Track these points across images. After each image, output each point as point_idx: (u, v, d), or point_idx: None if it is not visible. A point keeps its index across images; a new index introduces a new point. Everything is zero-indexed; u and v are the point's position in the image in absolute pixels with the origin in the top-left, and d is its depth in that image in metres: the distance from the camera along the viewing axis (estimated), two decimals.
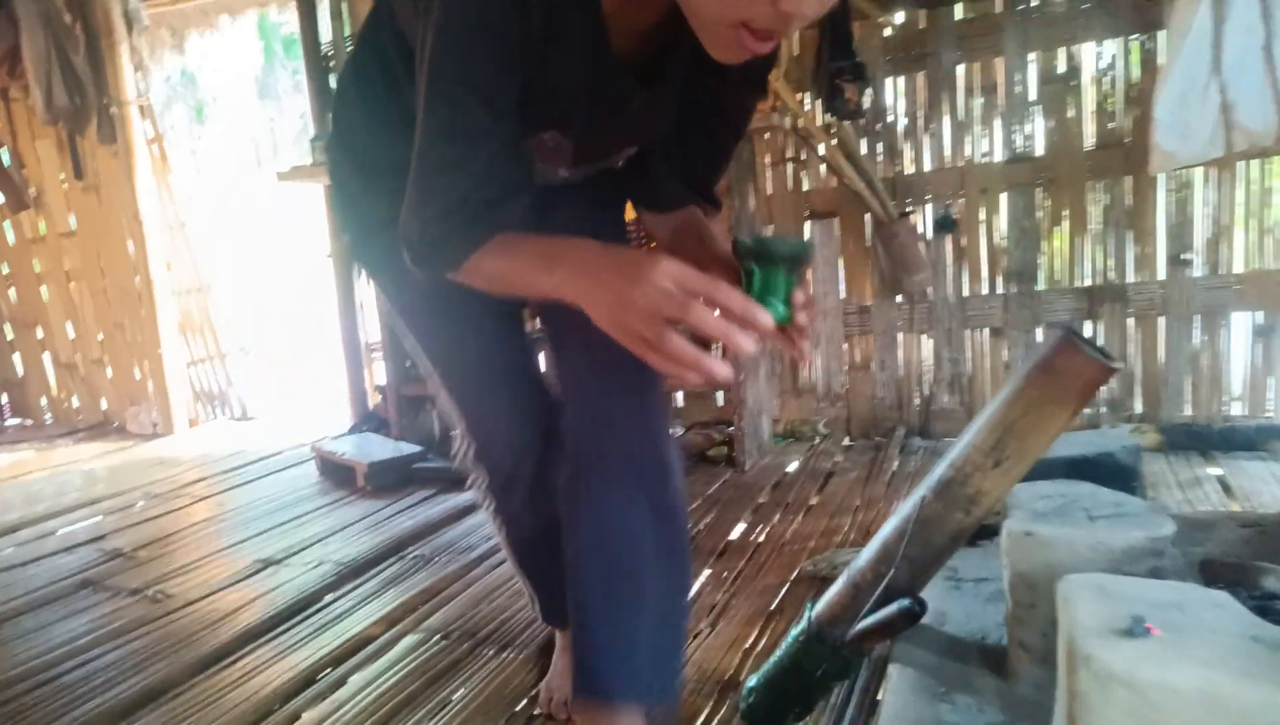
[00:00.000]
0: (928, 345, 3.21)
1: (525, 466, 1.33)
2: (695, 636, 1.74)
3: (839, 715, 1.40)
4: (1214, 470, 2.57)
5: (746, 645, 1.69)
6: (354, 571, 2.25)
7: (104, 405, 4.73)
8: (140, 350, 4.39)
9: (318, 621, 1.98)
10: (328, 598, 2.11)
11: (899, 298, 3.18)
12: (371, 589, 2.15)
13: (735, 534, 2.34)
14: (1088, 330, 2.99)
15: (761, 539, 2.28)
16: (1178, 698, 0.75)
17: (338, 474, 3.16)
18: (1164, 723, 0.76)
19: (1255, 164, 2.75)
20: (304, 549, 2.47)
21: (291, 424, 4.23)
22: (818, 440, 3.27)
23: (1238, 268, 2.81)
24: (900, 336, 3.22)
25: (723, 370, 0.79)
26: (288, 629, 1.95)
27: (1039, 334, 3.04)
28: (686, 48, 0.96)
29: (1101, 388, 1.09)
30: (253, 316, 7.05)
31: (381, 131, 1.12)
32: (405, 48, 1.02)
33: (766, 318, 0.81)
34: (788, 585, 1.94)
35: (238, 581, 2.26)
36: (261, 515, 2.84)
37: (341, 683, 1.69)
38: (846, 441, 3.26)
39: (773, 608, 1.84)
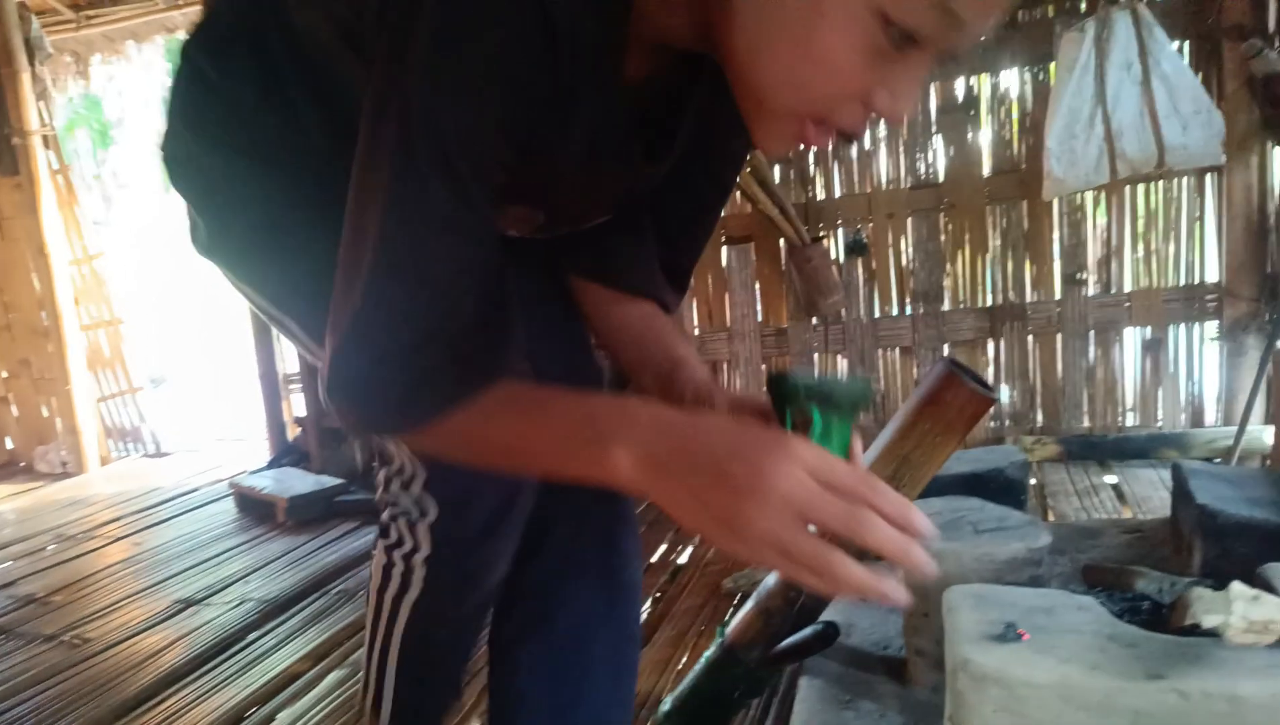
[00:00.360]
0: (842, 364, 3.33)
1: (525, 497, 0.91)
2: None
3: (757, 723, 1.46)
4: (1110, 478, 2.73)
5: (669, 668, 1.73)
6: (277, 608, 2.23)
7: (9, 444, 4.54)
8: (48, 387, 4.25)
9: (242, 660, 1.96)
10: (251, 636, 2.09)
11: (814, 319, 3.30)
12: (295, 626, 2.13)
13: (657, 556, 2.39)
14: (990, 348, 3.15)
15: (684, 560, 2.33)
16: (1039, 692, 0.83)
17: (257, 509, 3.11)
18: (1029, 714, 0.84)
19: (1141, 188, 2.95)
20: (225, 588, 2.43)
21: (208, 459, 4.13)
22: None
23: (1127, 286, 2.99)
24: (816, 357, 3.34)
25: (901, 594, 0.61)
26: (211, 669, 1.93)
27: (946, 352, 3.19)
28: (694, 104, 0.80)
29: (985, 415, 1.17)
30: (168, 347, 6.86)
31: (251, 170, 0.85)
32: (302, 53, 0.80)
33: (925, 521, 0.62)
34: (710, 605, 2.00)
35: (158, 623, 2.22)
36: (180, 554, 2.78)
37: (270, 720, 1.68)
38: None
39: (697, 628, 1.90)
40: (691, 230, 1.00)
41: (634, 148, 0.78)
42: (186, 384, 6.57)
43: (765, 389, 0.84)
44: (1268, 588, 1.02)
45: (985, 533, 1.23)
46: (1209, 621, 0.86)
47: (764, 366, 0.85)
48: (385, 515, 0.94)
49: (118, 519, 3.29)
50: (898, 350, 3.25)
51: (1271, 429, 2.67)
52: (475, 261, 0.67)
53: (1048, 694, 0.84)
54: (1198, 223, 2.90)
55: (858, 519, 0.58)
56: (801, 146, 0.70)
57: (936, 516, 1.32)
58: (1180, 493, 1.41)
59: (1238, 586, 0.84)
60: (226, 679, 1.87)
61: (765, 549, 0.60)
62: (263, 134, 0.84)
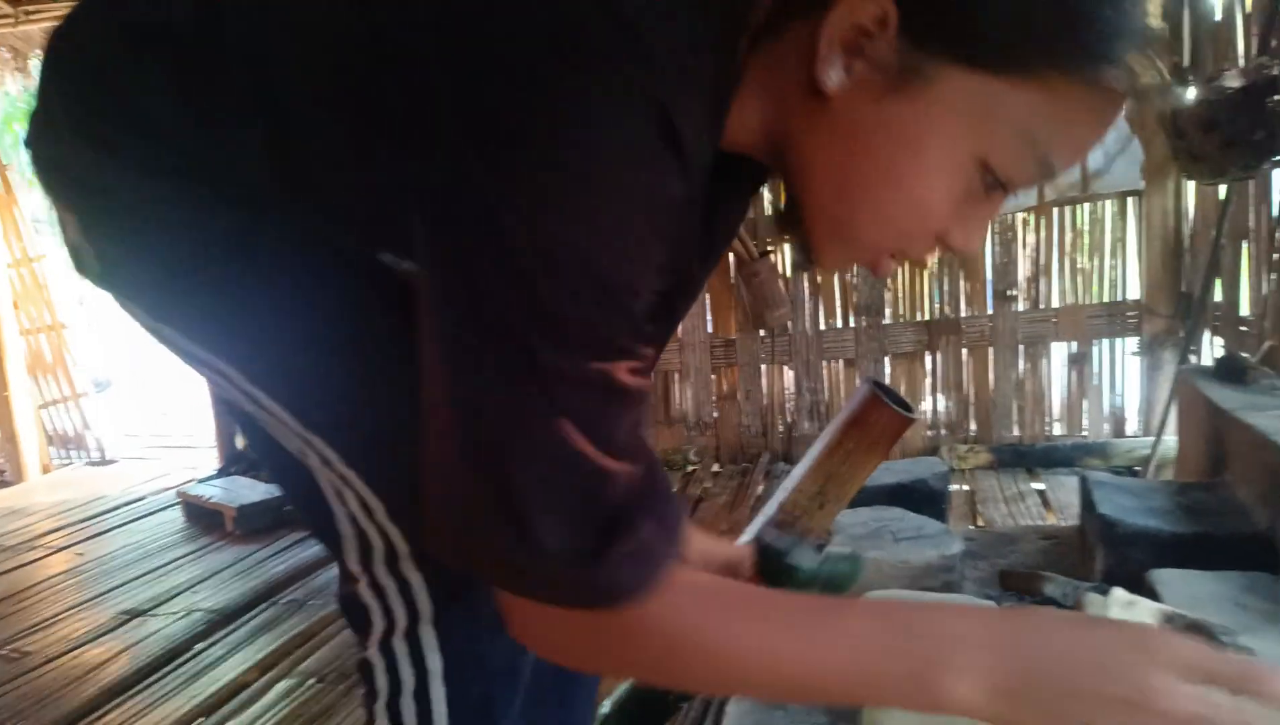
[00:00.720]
0: (789, 375, 3.43)
1: None
2: None
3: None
4: (1037, 485, 2.87)
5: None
6: (225, 619, 2.24)
7: None
8: None
9: (188, 671, 1.97)
10: (198, 647, 2.10)
11: (761, 332, 3.39)
12: (244, 636, 2.14)
13: None
14: (928, 361, 3.27)
15: None
16: None
17: (206, 518, 3.10)
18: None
19: (1067, 210, 3.09)
20: (171, 598, 2.43)
21: (155, 467, 4.09)
22: (689, 467, 3.44)
23: (1055, 303, 3.14)
24: (764, 368, 3.43)
25: None
26: (157, 680, 1.94)
27: (887, 363, 3.30)
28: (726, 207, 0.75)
29: (905, 432, 1.25)
30: (114, 350, 6.73)
31: (180, 195, 0.69)
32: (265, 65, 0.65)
33: None
34: None
35: (102, 635, 2.22)
36: (125, 565, 2.76)
37: None
38: (716, 468, 3.44)
39: None
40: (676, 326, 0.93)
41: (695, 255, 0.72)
42: (133, 389, 6.46)
43: (756, 560, 0.83)
44: (1153, 592, 1.12)
45: (904, 541, 1.31)
46: None
47: (756, 538, 0.79)
48: (370, 646, 0.74)
49: (59, 529, 3.25)
50: (841, 361, 3.36)
51: None
52: (638, 404, 0.58)
53: None
54: (1120, 243, 3.05)
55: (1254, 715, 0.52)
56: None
57: (862, 525, 1.41)
58: (1086, 502, 1.51)
59: (1117, 593, 0.92)
60: (172, 690, 1.89)
61: None
62: (195, 154, 0.68)
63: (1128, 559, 1.33)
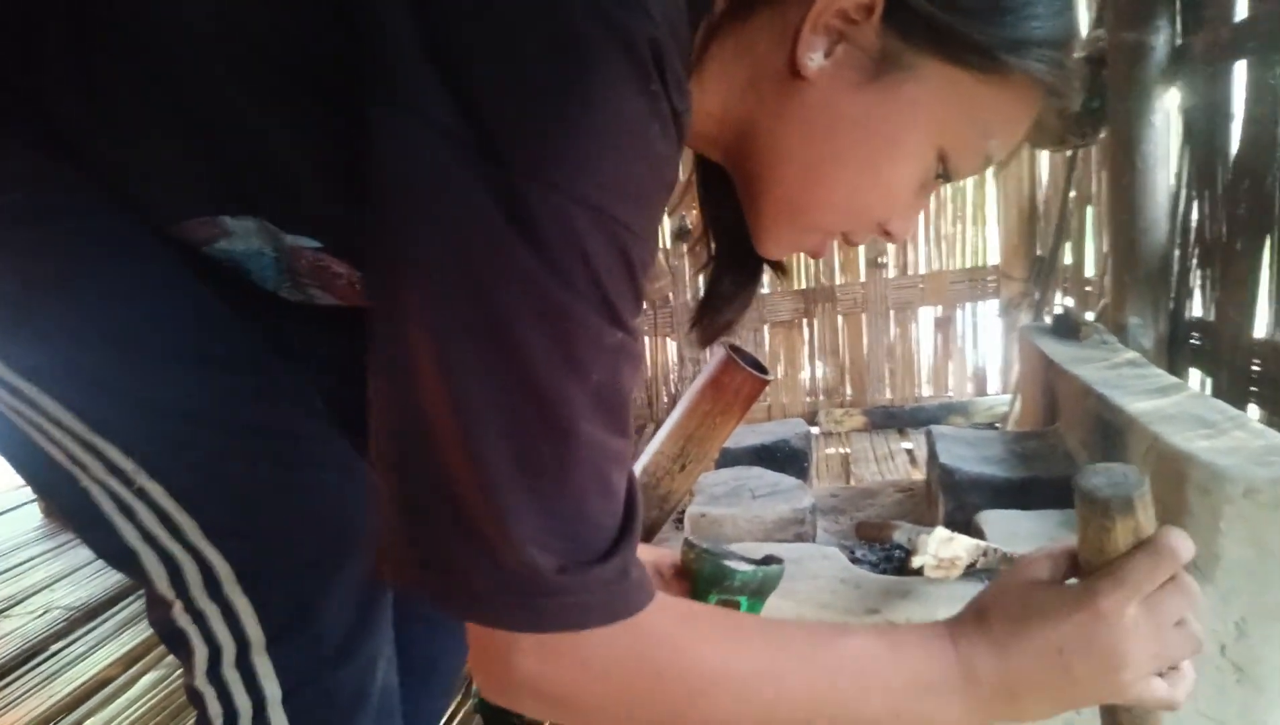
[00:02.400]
0: (672, 347, 3.48)
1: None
2: None
3: None
4: (906, 444, 3.01)
5: None
6: (86, 615, 2.15)
7: None
8: None
9: (47, 670, 1.90)
10: (56, 645, 2.02)
11: (644, 304, 3.42)
12: (107, 631, 2.07)
13: None
14: (805, 328, 3.37)
15: None
16: (780, 615, 0.96)
17: None
18: None
19: None
20: (28, 597, 2.32)
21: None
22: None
23: (922, 270, 3.28)
24: (647, 339, 3.47)
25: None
26: (14, 680, 1.86)
27: (766, 332, 3.39)
28: None
29: (762, 393, 1.29)
30: None
31: None
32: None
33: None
34: None
35: None
36: None
37: None
38: None
39: None
40: None
41: None
42: None
43: (685, 566, 0.82)
44: (979, 531, 1.21)
45: (760, 498, 1.37)
46: (916, 562, 1.02)
47: (684, 546, 0.80)
48: (195, 674, 0.68)
49: None
50: None
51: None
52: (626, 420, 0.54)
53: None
54: (980, 212, 3.21)
55: (1195, 637, 0.58)
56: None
57: (723, 485, 1.46)
58: (931, 454, 1.60)
59: (939, 531, 0.99)
60: (30, 689, 1.81)
61: (1150, 695, 0.58)
62: None
63: (965, 504, 1.41)
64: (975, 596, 0.63)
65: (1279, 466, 0.97)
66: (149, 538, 0.64)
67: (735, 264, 0.77)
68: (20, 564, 2.59)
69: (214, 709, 0.67)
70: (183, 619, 0.66)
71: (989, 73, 0.57)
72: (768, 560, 0.82)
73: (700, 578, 0.79)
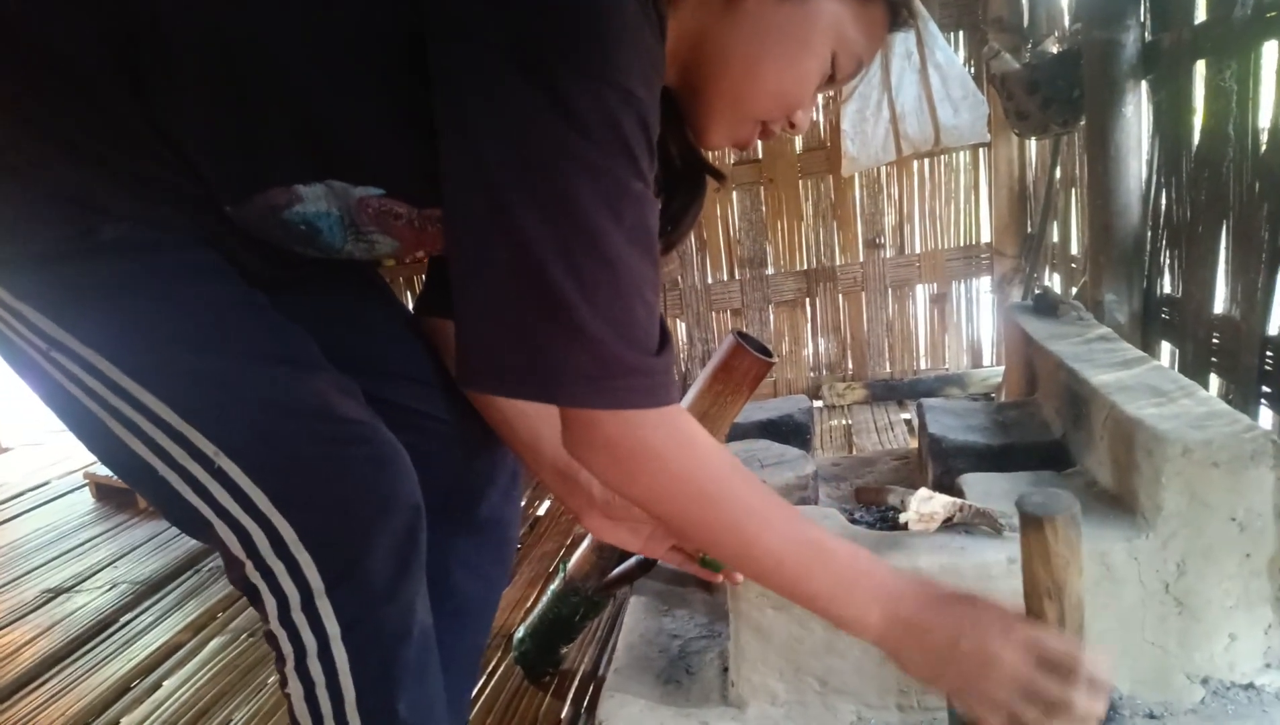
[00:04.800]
0: (681, 327, 3.64)
1: (422, 515, 0.87)
2: None
3: (594, 635, 1.74)
4: (905, 415, 3.17)
5: (528, 605, 1.99)
6: (150, 589, 2.33)
7: None
8: None
9: (122, 638, 2.08)
10: (126, 617, 2.19)
11: None
12: (172, 602, 2.25)
13: None
14: (808, 307, 3.53)
15: (541, 512, 2.59)
16: None
17: (117, 498, 3.14)
18: (780, 600, 1.14)
19: (927, 162, 3.37)
20: (93, 574, 2.50)
21: (54, 451, 4.04)
22: None
23: (917, 248, 3.43)
24: None
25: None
26: (92, 649, 2.04)
27: (771, 312, 3.55)
28: None
29: (769, 374, 1.45)
30: None
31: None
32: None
33: (1105, 673, 0.73)
34: (563, 550, 2.26)
35: (27, 614, 2.29)
36: (40, 547, 2.80)
37: (156, 687, 1.83)
38: None
39: (551, 570, 2.16)
40: None
41: None
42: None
43: None
44: (960, 492, 1.37)
45: (768, 467, 1.54)
46: (903, 518, 1.18)
47: None
48: (269, 619, 0.82)
49: None
50: (729, 311, 3.59)
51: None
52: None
53: None
54: (973, 192, 3.35)
55: (1063, 704, 0.71)
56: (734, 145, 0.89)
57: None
58: (921, 424, 1.77)
59: (921, 491, 1.16)
60: (108, 656, 1.99)
61: (995, 713, 0.73)
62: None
63: (952, 468, 1.58)
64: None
65: (1212, 430, 1.14)
66: (222, 512, 0.78)
67: (680, 185, 0.95)
68: (81, 544, 2.77)
69: (286, 648, 0.82)
70: (254, 576, 0.80)
71: (867, 2, 0.82)
72: None
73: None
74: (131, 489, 2.70)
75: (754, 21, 0.80)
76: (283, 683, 0.84)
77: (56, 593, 2.40)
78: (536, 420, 0.99)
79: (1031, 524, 0.76)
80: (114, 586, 2.38)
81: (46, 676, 1.93)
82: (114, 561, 2.58)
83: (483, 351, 0.70)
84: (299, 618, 0.80)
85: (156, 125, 0.75)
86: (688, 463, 0.74)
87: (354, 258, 0.87)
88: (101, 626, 2.15)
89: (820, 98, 3.34)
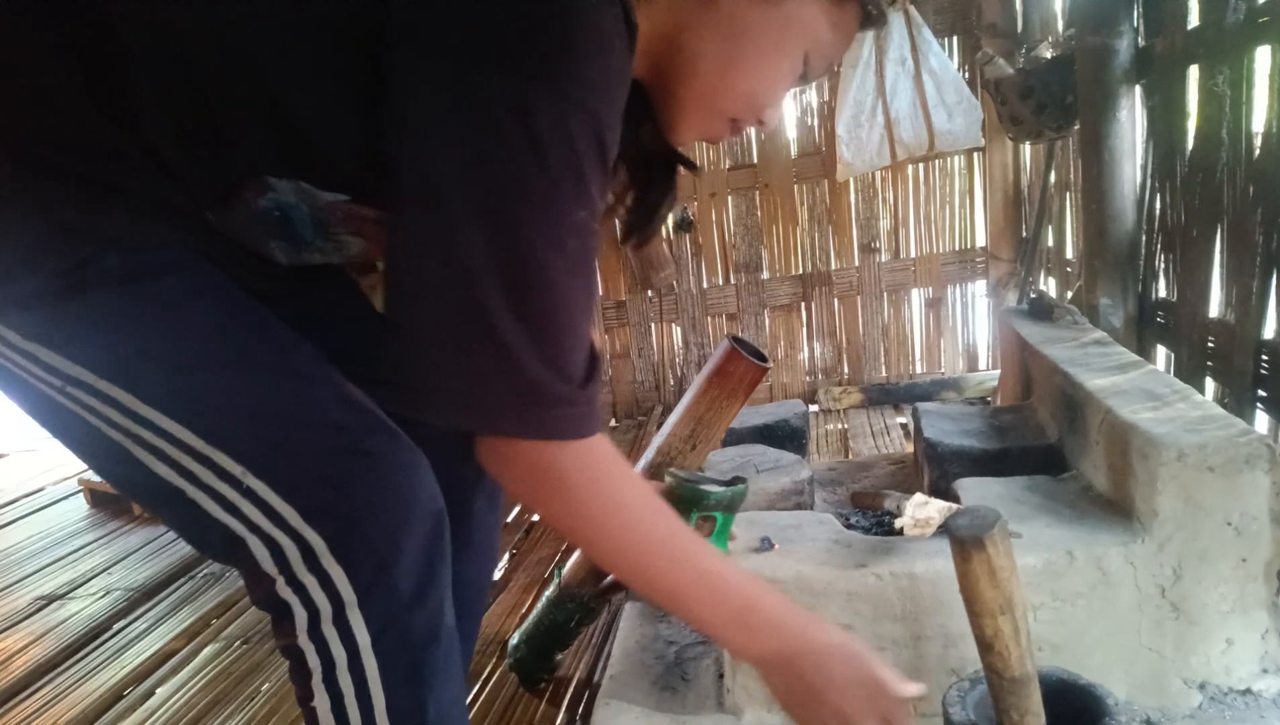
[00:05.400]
0: (677, 332, 3.64)
1: (446, 523, 0.87)
2: None
3: (589, 642, 1.73)
4: (901, 419, 3.17)
5: (523, 611, 1.98)
6: (145, 595, 2.32)
7: None
8: None
9: (115, 645, 2.06)
10: (120, 624, 2.18)
11: (649, 292, 3.59)
12: (166, 609, 2.23)
13: (511, 516, 2.62)
14: (803, 311, 3.53)
15: (536, 518, 2.58)
16: (781, 586, 1.13)
17: (112, 504, 3.12)
18: None
19: (921, 167, 3.37)
20: (87, 581, 2.48)
21: (49, 458, 4.02)
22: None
23: (912, 253, 3.43)
24: (653, 326, 3.64)
25: None
26: (85, 656, 2.02)
27: (767, 316, 3.55)
28: None
29: (763, 380, 1.45)
30: None
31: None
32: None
33: None
34: (559, 556, 2.26)
35: (19, 620, 2.27)
36: (33, 554, 2.78)
37: (149, 694, 1.82)
38: (613, 423, 3.64)
39: (546, 576, 2.15)
40: None
41: None
42: None
43: (669, 492, 1.06)
44: (955, 496, 1.37)
45: (764, 472, 1.53)
46: (898, 523, 1.18)
47: (667, 476, 1.01)
48: (298, 634, 0.80)
49: None
50: (724, 316, 3.59)
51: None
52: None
53: (788, 586, 1.14)
54: (967, 196, 3.36)
55: None
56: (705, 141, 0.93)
57: (729, 462, 1.62)
58: (917, 429, 1.77)
59: (916, 496, 1.16)
60: (101, 663, 1.98)
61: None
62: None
63: (947, 473, 1.58)
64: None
65: (1207, 434, 1.14)
66: (254, 528, 0.78)
67: (652, 177, 0.96)
68: (75, 551, 2.75)
69: (313, 661, 0.81)
70: (285, 592, 0.79)
71: (841, 2, 0.83)
72: (734, 481, 1.02)
73: (682, 500, 1.03)
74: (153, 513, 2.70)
75: (729, 21, 0.80)
76: (306, 697, 0.83)
77: (50, 599, 2.38)
78: None
79: (972, 545, 0.77)
80: (107, 593, 2.37)
81: (39, 684, 1.92)
82: (108, 568, 2.57)
83: (415, 370, 0.72)
84: (329, 630, 0.80)
85: (129, 131, 0.74)
86: (597, 496, 0.77)
87: (325, 259, 0.87)
88: (95, 633, 2.13)
89: (815, 103, 3.38)
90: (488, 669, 1.74)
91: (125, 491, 0.84)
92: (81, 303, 0.76)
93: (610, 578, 1.57)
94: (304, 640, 0.80)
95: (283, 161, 0.77)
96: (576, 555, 1.59)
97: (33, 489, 3.55)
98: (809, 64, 0.84)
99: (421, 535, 0.82)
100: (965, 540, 0.77)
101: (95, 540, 2.84)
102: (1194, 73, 1.68)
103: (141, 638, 2.09)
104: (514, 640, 1.67)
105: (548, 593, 1.61)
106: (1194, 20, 1.66)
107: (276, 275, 0.87)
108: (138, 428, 0.76)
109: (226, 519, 0.78)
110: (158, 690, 1.83)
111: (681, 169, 0.99)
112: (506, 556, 2.31)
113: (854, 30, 0.86)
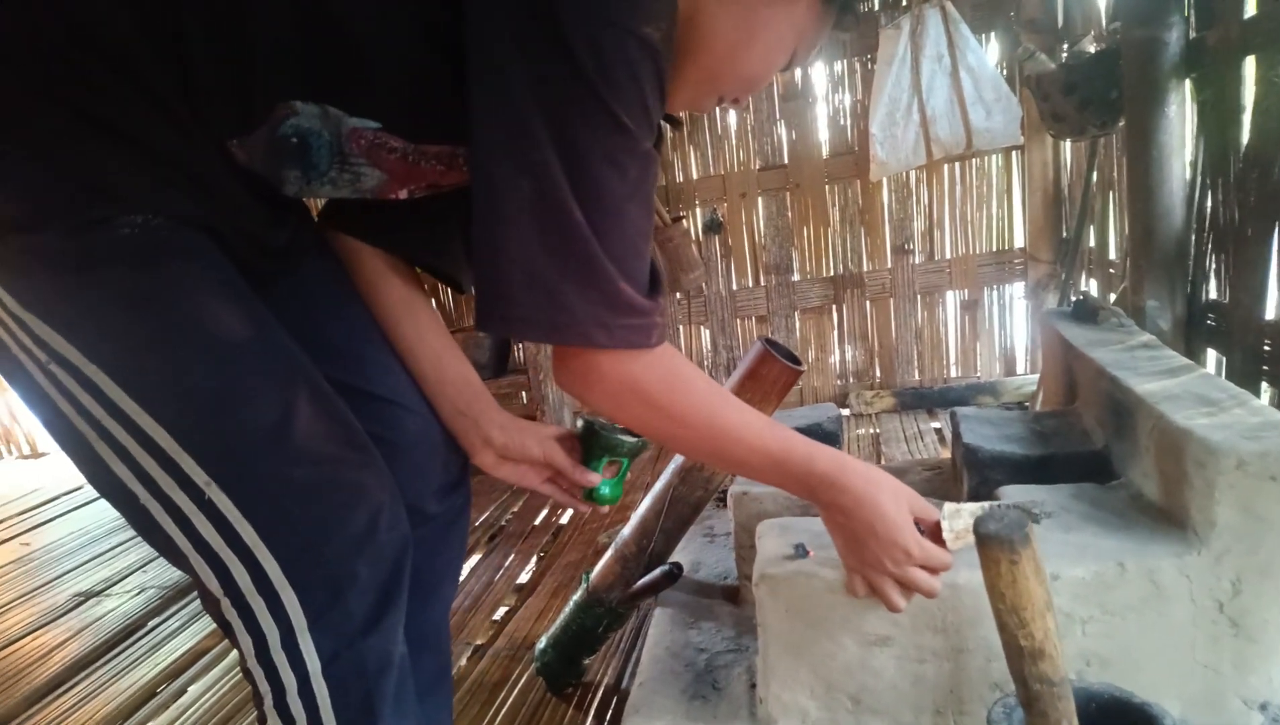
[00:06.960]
0: (706, 335, 3.61)
1: (411, 550, 0.88)
2: (507, 611, 2.00)
3: (617, 647, 1.71)
4: (935, 424, 3.12)
5: (551, 615, 1.96)
6: (179, 593, 2.34)
7: None
8: None
9: (149, 642, 2.08)
10: (154, 621, 2.20)
11: (677, 294, 3.56)
12: (198, 608, 2.24)
13: (540, 518, 2.61)
14: (834, 314, 3.48)
15: (564, 521, 2.56)
16: (816, 593, 1.10)
17: None
18: (809, 612, 1.11)
19: (958, 166, 3.31)
20: (124, 578, 2.51)
21: None
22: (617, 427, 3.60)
23: (948, 254, 3.37)
24: (681, 328, 3.60)
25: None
26: (120, 653, 2.04)
27: (797, 318, 3.51)
28: None
29: (797, 382, 1.43)
30: None
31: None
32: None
33: (947, 560, 1.02)
34: (588, 560, 2.24)
35: (59, 617, 2.30)
36: (73, 551, 2.82)
37: (181, 692, 1.82)
38: None
39: (574, 580, 2.13)
40: None
41: None
42: None
43: (582, 436, 1.13)
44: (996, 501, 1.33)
45: None
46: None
47: (580, 420, 1.07)
48: (245, 659, 0.80)
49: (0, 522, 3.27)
50: (754, 318, 3.56)
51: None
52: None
53: (822, 590, 1.11)
54: (1005, 196, 3.29)
55: (911, 578, 0.99)
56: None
57: None
58: (955, 434, 1.72)
59: (947, 507, 1.11)
60: (135, 660, 1.99)
61: (882, 578, 1.00)
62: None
63: (988, 480, 1.53)
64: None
65: (1268, 441, 1.09)
66: (202, 546, 0.76)
67: None
68: (112, 548, 2.79)
69: (263, 687, 0.80)
70: (230, 613, 0.78)
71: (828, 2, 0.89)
72: (634, 435, 1.15)
73: (596, 444, 1.12)
74: None
75: (743, 10, 0.85)
76: (261, 721, 0.82)
77: (87, 596, 2.41)
78: (442, 359, 1.04)
79: (1020, 543, 0.75)
80: (142, 591, 2.39)
81: (77, 679, 1.94)
82: (143, 566, 2.59)
83: (497, 294, 0.76)
84: (278, 656, 0.78)
85: (166, 56, 0.75)
86: (673, 399, 0.87)
87: (335, 191, 0.88)
88: (130, 630, 2.15)
89: (848, 102, 3.33)
90: (515, 673, 1.72)
91: (87, 481, 0.82)
92: (84, 280, 0.74)
93: (640, 583, 1.54)
94: (252, 664, 0.79)
95: (319, 82, 0.80)
96: (605, 559, 1.57)
97: (71, 487, 3.60)
98: (794, 56, 0.91)
99: (382, 561, 0.81)
100: (1014, 540, 0.73)
101: (131, 538, 2.86)
102: (1250, 64, 1.62)
103: (175, 635, 2.10)
104: (541, 644, 1.65)
105: (576, 597, 1.59)
106: (1251, 9, 1.60)
107: (279, 254, 0.91)
108: (109, 421, 0.75)
109: (173, 532, 0.76)
110: (190, 688, 1.84)
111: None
112: (534, 559, 2.29)
113: (828, 29, 0.92)
